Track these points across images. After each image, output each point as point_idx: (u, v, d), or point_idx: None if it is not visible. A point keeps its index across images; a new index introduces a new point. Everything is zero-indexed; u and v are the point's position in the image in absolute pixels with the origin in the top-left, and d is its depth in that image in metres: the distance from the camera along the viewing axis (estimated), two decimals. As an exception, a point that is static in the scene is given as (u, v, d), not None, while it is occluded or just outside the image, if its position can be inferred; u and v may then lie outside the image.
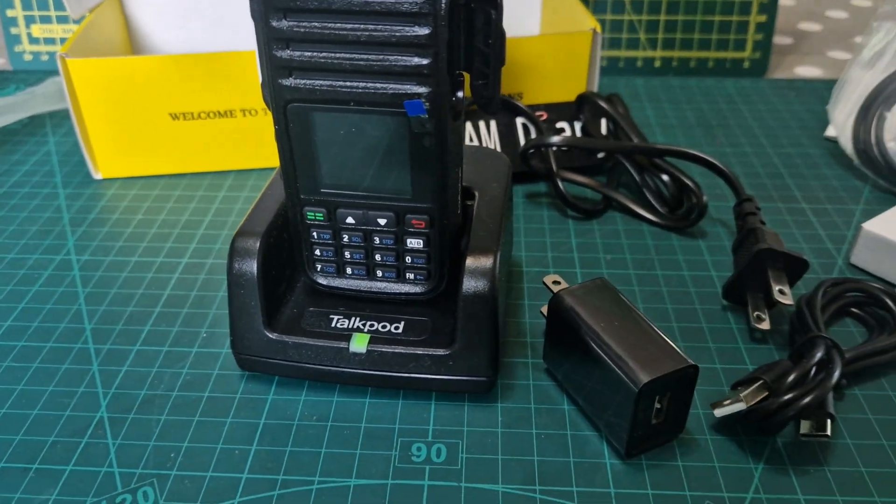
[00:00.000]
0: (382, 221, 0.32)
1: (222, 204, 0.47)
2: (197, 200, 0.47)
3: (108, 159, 0.48)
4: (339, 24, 0.27)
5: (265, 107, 0.47)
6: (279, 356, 0.33)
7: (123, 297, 0.39)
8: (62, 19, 0.62)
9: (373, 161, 0.30)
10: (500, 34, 0.28)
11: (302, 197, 0.32)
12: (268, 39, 0.28)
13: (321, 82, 0.28)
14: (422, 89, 0.28)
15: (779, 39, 0.68)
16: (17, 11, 0.61)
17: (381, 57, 0.28)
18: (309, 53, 0.28)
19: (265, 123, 0.48)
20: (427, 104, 0.28)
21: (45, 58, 0.63)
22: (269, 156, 0.49)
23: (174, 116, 0.47)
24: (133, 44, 0.56)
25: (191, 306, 0.39)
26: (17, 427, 0.32)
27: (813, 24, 0.72)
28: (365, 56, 0.28)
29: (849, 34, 0.70)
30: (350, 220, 0.32)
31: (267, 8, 0.27)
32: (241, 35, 0.57)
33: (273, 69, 0.28)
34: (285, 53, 0.28)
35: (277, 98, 0.29)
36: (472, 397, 0.34)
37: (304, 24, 0.27)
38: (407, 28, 0.27)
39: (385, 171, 0.31)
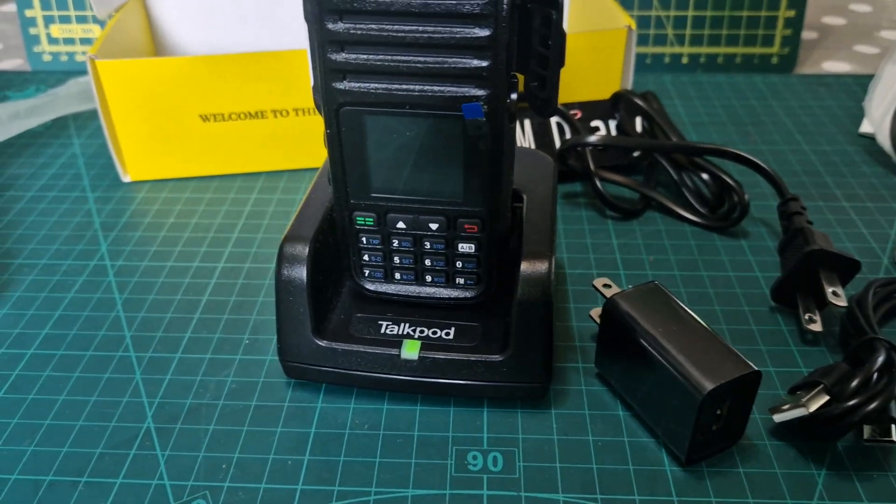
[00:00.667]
0: (434, 226, 0.31)
1: (255, 206, 0.46)
2: (229, 203, 0.46)
3: (137, 161, 0.47)
4: (396, 27, 0.27)
5: (296, 107, 0.47)
6: (329, 364, 0.33)
7: (161, 303, 0.39)
8: (81, 19, 0.61)
9: (425, 165, 0.30)
10: (561, 35, 0.27)
11: (352, 202, 0.31)
12: (322, 42, 0.27)
13: (376, 85, 0.28)
14: (480, 92, 0.27)
15: (804, 34, 0.68)
16: (35, 11, 0.61)
17: (439, 59, 0.27)
18: (365, 56, 0.27)
19: (296, 124, 0.47)
20: (485, 107, 0.27)
21: (64, 58, 0.62)
22: (300, 157, 0.49)
23: (204, 118, 0.46)
24: (157, 44, 0.55)
25: (231, 312, 0.38)
26: (63, 439, 0.32)
27: (837, 18, 0.72)
28: (422, 58, 0.27)
29: (874, 28, 0.70)
30: (400, 224, 0.31)
31: (322, 10, 0.27)
32: (264, 34, 0.56)
33: (327, 72, 0.28)
34: (340, 56, 0.27)
35: (330, 101, 0.28)
36: (525, 404, 0.33)
37: (360, 26, 0.27)
38: (467, 29, 0.26)
39: (437, 175, 0.30)
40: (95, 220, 0.45)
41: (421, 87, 0.28)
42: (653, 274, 0.40)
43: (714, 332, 0.31)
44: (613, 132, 0.48)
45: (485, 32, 0.26)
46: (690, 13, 0.59)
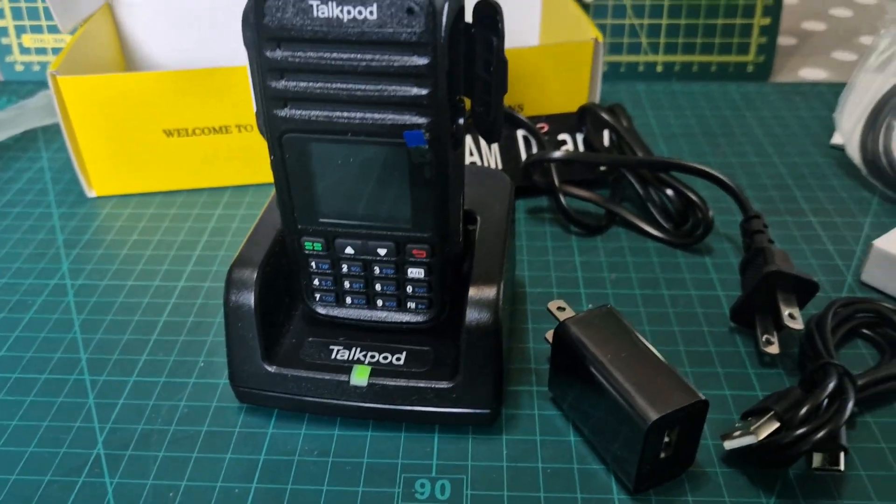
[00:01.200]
0: (382, 251, 0.31)
1: (218, 223, 0.46)
2: (193, 219, 0.46)
3: (101, 177, 0.47)
4: (335, 55, 0.26)
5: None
6: (279, 389, 0.33)
7: (119, 324, 0.39)
8: (53, 29, 0.61)
9: (371, 190, 0.29)
10: (502, 61, 0.27)
11: (299, 227, 0.31)
12: (262, 70, 0.27)
13: (317, 113, 0.27)
14: (421, 119, 0.27)
15: (783, 40, 0.67)
16: (7, 21, 0.60)
17: (378, 87, 0.27)
18: (304, 84, 0.27)
19: (260, 139, 0.46)
20: (427, 134, 0.27)
21: (36, 68, 0.62)
22: (265, 171, 0.48)
23: (168, 133, 0.46)
24: (125, 54, 0.55)
25: (188, 333, 0.38)
26: (12, 466, 0.32)
27: (817, 23, 0.71)
28: (362, 86, 0.27)
29: (854, 34, 0.69)
30: (349, 249, 0.31)
31: (261, 38, 0.26)
32: (234, 45, 0.55)
33: (268, 100, 0.28)
34: (280, 84, 0.27)
35: (273, 129, 0.28)
36: (476, 429, 0.33)
37: (299, 54, 0.26)
38: (405, 58, 0.26)
39: (384, 201, 0.30)
40: (59, 238, 0.45)
41: (362, 114, 0.27)
42: (613, 293, 0.40)
43: (664, 360, 0.30)
44: (580, 146, 0.48)
45: (423, 60, 0.26)
46: (664, 22, 0.58)
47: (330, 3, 0.25)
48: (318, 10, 0.25)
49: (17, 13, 0.60)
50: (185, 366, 0.36)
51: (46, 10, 0.60)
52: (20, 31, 0.61)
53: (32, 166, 0.52)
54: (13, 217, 0.47)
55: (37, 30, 0.61)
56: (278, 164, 0.29)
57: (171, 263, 0.43)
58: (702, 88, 0.59)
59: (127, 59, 0.55)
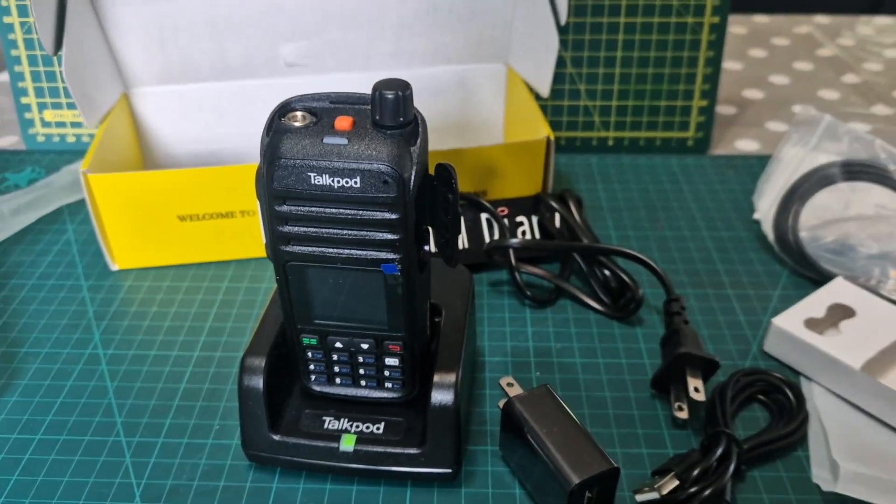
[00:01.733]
0: (365, 346, 0.39)
1: (226, 295, 0.53)
2: (204, 291, 0.54)
3: (123, 253, 0.55)
4: (328, 209, 0.34)
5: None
6: (282, 453, 0.41)
7: (146, 391, 0.46)
8: (72, 105, 0.68)
9: (356, 301, 0.37)
10: (457, 214, 0.35)
11: (298, 326, 0.39)
12: (271, 217, 0.35)
13: (314, 249, 0.35)
14: (394, 256, 0.35)
15: (723, 109, 0.76)
16: (30, 99, 0.68)
17: (361, 232, 0.35)
18: (304, 229, 0.35)
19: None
20: (399, 266, 0.35)
21: (56, 139, 0.69)
22: (264, 248, 0.56)
23: (182, 218, 0.54)
24: (141, 141, 0.63)
25: (204, 399, 0.46)
26: (67, 517, 0.39)
27: (756, 91, 0.80)
28: (349, 231, 0.35)
29: (788, 102, 0.77)
30: (338, 344, 0.39)
31: (270, 196, 0.34)
32: (239, 126, 0.63)
33: (275, 238, 0.35)
34: (286, 228, 0.35)
35: (278, 258, 0.36)
36: (441, 484, 0.41)
37: (300, 208, 0.34)
38: (382, 213, 0.34)
39: (366, 309, 0.38)
40: (89, 310, 0.52)
41: (349, 251, 0.35)
42: (558, 361, 0.48)
43: (587, 433, 0.39)
44: (535, 226, 0.56)
45: (395, 216, 0.34)
46: (614, 103, 0.66)
47: (324, 175, 0.33)
48: (314, 179, 0.33)
49: (39, 91, 0.67)
50: (203, 428, 0.44)
51: (67, 89, 0.67)
52: (42, 107, 0.68)
53: (60, 238, 0.59)
54: (48, 289, 0.54)
55: (57, 106, 0.68)
56: (282, 283, 0.37)
57: (186, 334, 0.50)
58: (647, 161, 0.67)
59: (142, 142, 0.63)
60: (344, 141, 0.33)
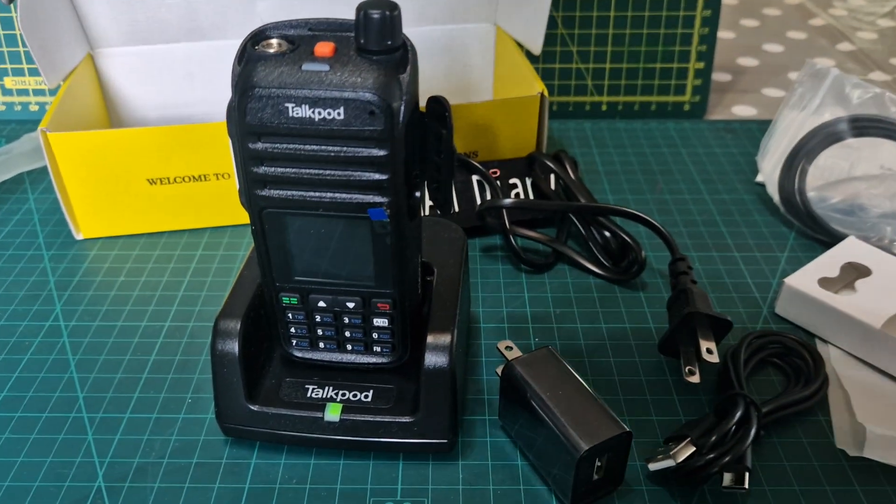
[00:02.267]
0: (351, 305, 0.35)
1: (199, 263, 0.50)
2: (175, 260, 0.50)
3: (88, 221, 0.51)
4: (307, 146, 0.31)
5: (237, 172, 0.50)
6: (261, 426, 0.37)
7: (112, 363, 0.43)
8: (34, 72, 0.64)
9: (340, 254, 0.34)
10: (451, 151, 0.32)
11: (277, 284, 0.35)
12: (244, 157, 0.31)
13: (293, 193, 0.32)
14: (382, 199, 0.32)
15: (718, 76, 0.73)
16: (-11, 64, 0.63)
17: (345, 173, 0.31)
18: (281, 169, 0.31)
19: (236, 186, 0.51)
20: (387, 210, 0.32)
21: (18, 108, 0.65)
22: (242, 214, 0.52)
23: (151, 181, 0.50)
24: (108, 103, 0.59)
25: (175, 371, 0.42)
26: (20, 500, 0.35)
27: (750, 59, 0.77)
28: (331, 172, 0.31)
29: (784, 69, 0.75)
30: (321, 303, 0.36)
31: (242, 132, 0.31)
32: (210, 88, 0.60)
33: (249, 182, 0.32)
34: (260, 169, 0.31)
35: (253, 205, 0.33)
36: (436, 456, 0.37)
37: (276, 146, 0.31)
38: (368, 150, 0.30)
39: (351, 263, 0.34)
40: (50, 280, 0.48)
41: (331, 194, 0.32)
42: (558, 327, 0.45)
43: (594, 396, 0.35)
44: (529, 188, 0.52)
45: (382, 152, 0.30)
46: (608, 66, 0.63)
47: (303, 106, 0.30)
48: (292, 111, 0.30)
49: (-1, 57, 0.63)
50: (174, 402, 0.40)
51: (28, 54, 0.63)
52: (2, 73, 0.64)
53: (20, 207, 0.55)
54: (6, 259, 0.50)
55: (18, 73, 0.64)
56: (258, 234, 0.34)
57: (157, 304, 0.47)
58: (643, 126, 0.64)
59: (109, 105, 0.59)
60: (325, 67, 0.30)
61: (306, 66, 0.30)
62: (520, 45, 0.58)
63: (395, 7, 0.30)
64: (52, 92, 0.65)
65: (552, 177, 0.52)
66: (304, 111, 0.30)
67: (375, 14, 0.29)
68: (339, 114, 0.30)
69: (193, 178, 0.50)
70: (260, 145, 0.31)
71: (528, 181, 0.52)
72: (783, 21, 0.86)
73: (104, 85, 0.58)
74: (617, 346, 0.44)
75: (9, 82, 0.64)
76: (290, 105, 0.30)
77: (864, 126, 0.51)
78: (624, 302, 0.47)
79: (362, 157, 0.30)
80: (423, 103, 0.32)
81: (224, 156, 0.50)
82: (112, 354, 0.43)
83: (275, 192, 0.32)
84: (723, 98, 0.69)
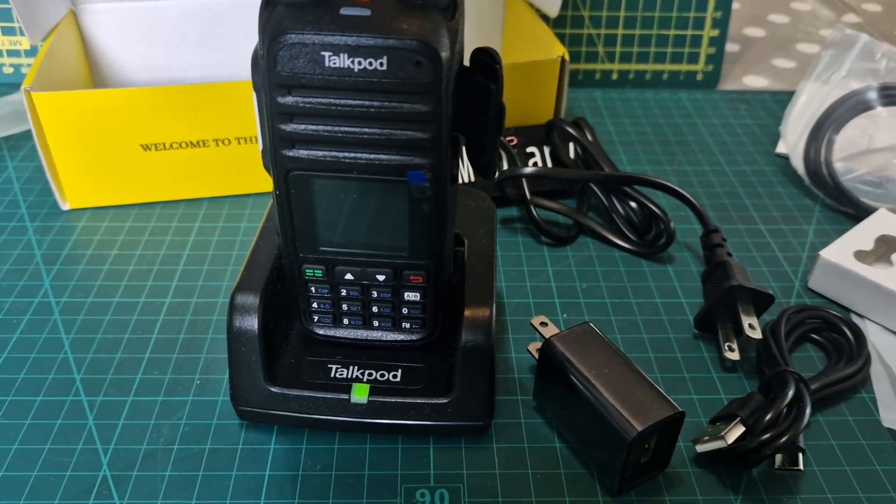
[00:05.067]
0: (381, 277, 0.33)
1: (199, 235, 0.46)
2: (172, 232, 0.47)
3: (76, 190, 0.47)
4: (343, 101, 0.28)
5: (238, 136, 0.47)
6: (281, 408, 0.34)
7: (110, 342, 0.39)
8: (8, 31, 0.59)
9: (372, 222, 0.31)
10: (500, 107, 0.29)
11: (300, 255, 0.32)
12: (271, 112, 0.28)
13: (325, 153, 0.29)
14: (424, 160, 0.29)
15: (727, 46, 0.71)
16: (-41, 23, 0.59)
17: (385, 130, 0.28)
18: (314, 127, 0.28)
19: (238, 152, 0.47)
20: (429, 174, 0.29)
21: (9, 70, 0.60)
22: (242, 183, 0.49)
23: (145, 147, 0.46)
24: (93, 65, 0.54)
25: (180, 351, 0.39)
26: (19, 492, 0.32)
27: (757, 29, 0.75)
28: (369, 129, 0.28)
29: (790, 41, 0.73)
30: (349, 276, 0.33)
31: (271, 83, 0.27)
32: (204, 52, 0.56)
33: (276, 140, 0.29)
34: (289, 127, 0.28)
35: (279, 167, 0.29)
36: (469, 440, 0.35)
37: (309, 100, 0.28)
38: (412, 104, 0.27)
39: (383, 232, 0.31)
40: (36, 253, 0.45)
41: (367, 155, 0.29)
42: (586, 302, 0.43)
43: (642, 373, 0.33)
44: (548, 157, 0.50)
45: (428, 107, 0.28)
46: (620, 32, 0.61)
47: (342, 55, 0.27)
48: (329, 61, 0.27)
49: (-29, 14, 0.59)
50: (181, 383, 0.37)
51: (2, 11, 0.59)
52: (-24, 32, 0.59)
53: (-1, 176, 0.51)
54: (-14, 231, 0.46)
55: (9, 32, 0.59)
56: (283, 199, 0.30)
57: (155, 279, 0.43)
58: (655, 96, 0.62)
59: (93, 67, 0.55)
60: (367, 12, 0.27)
61: (345, 11, 0.27)
62: (533, 7, 0.55)
63: (445, -51, 0.27)
64: (29, 53, 0.60)
65: (571, 145, 0.50)
66: (342, 61, 0.27)
67: (423, -46, 0.26)
68: (381, 63, 0.27)
69: (191, 143, 0.47)
70: (290, 99, 0.28)
71: (547, 150, 0.50)
72: (786, -9, 0.84)
73: (88, 45, 0.54)
74: (649, 322, 0.41)
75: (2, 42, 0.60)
76: (326, 53, 0.27)
77: (894, 95, 0.49)
78: (652, 276, 0.44)
79: (405, 112, 0.28)
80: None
81: (224, 120, 0.46)
82: (109, 333, 0.40)
83: (304, 153, 0.29)
84: (733, 68, 0.67)
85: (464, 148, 0.31)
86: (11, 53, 0.60)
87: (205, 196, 0.49)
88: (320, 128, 0.28)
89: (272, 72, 0.27)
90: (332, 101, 0.28)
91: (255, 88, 0.29)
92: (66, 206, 0.48)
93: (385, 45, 0.26)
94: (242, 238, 0.46)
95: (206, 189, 0.49)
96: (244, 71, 0.56)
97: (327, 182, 0.30)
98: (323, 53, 0.27)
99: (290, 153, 0.29)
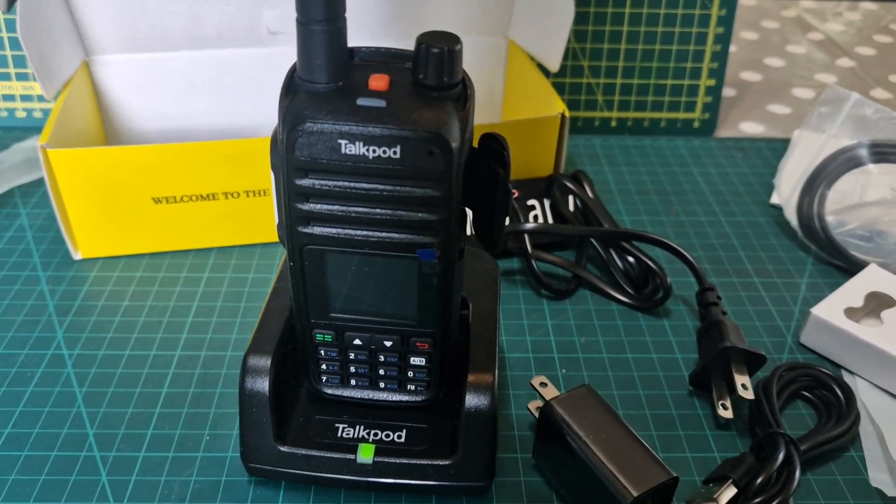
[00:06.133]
0: (388, 343, 0.34)
1: (207, 286, 0.48)
2: (182, 283, 0.48)
3: (88, 240, 0.48)
4: (359, 184, 0.29)
5: (247, 189, 0.48)
6: (290, 467, 0.35)
7: (122, 396, 0.40)
8: (21, 77, 0.61)
9: (381, 292, 0.32)
10: (507, 191, 0.30)
11: (312, 320, 0.34)
12: (289, 192, 0.30)
13: (338, 230, 0.30)
14: (433, 240, 0.30)
15: (723, 91, 0.72)
16: (-27, 68, 0.60)
17: (397, 212, 0.29)
18: (328, 207, 0.30)
19: (247, 204, 0.49)
20: (438, 252, 0.30)
21: (3, 114, 0.62)
22: (250, 234, 0.50)
23: (157, 200, 0.47)
24: (104, 115, 0.56)
25: (190, 405, 0.40)
26: (36, 549, 0.33)
27: (753, 73, 0.77)
28: (381, 210, 0.30)
29: (786, 85, 0.75)
30: (357, 341, 0.34)
31: (289, 167, 0.29)
32: (212, 101, 0.57)
33: (293, 218, 0.30)
34: (306, 206, 0.30)
35: (295, 241, 0.31)
36: (470, 498, 0.36)
37: (325, 182, 0.29)
38: (423, 189, 0.29)
39: (392, 302, 0.33)
40: (49, 304, 0.46)
41: (379, 233, 0.30)
42: (584, 357, 0.44)
43: (638, 437, 0.34)
44: (548, 210, 0.51)
45: (439, 192, 0.29)
46: (618, 81, 0.62)
47: (357, 143, 0.28)
48: (346, 148, 0.28)
49: (-17, 60, 0.60)
50: (191, 439, 0.38)
51: (16, 58, 0.60)
52: (-13, 77, 0.61)
53: (12, 224, 0.52)
54: (0, 281, 0.47)
55: (4, 77, 0.61)
56: (297, 269, 0.32)
57: (165, 331, 0.44)
58: (652, 143, 0.64)
59: (104, 116, 0.56)
60: (382, 103, 0.28)
61: (361, 101, 0.28)
62: (534, 62, 0.57)
63: (458, 41, 0.28)
64: (41, 98, 0.62)
65: (570, 198, 0.51)
66: (357, 148, 0.28)
67: (436, 49, 0.28)
68: (395, 152, 0.28)
69: (201, 196, 0.48)
70: (307, 181, 0.29)
71: (547, 202, 0.51)
72: (782, 34, 0.86)
73: (99, 95, 0.56)
74: (645, 378, 0.43)
75: (-6, 87, 0.61)
76: (343, 141, 0.28)
77: (884, 152, 0.51)
78: (649, 331, 0.46)
79: (416, 196, 0.29)
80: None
81: (233, 174, 0.47)
82: (121, 387, 0.41)
83: (319, 230, 0.30)
84: (729, 114, 0.69)
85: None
86: (24, 98, 0.61)
87: (214, 246, 0.50)
88: (335, 207, 0.30)
89: (290, 156, 0.28)
90: (346, 184, 0.29)
91: (274, 168, 0.30)
92: (77, 256, 0.49)
93: (399, 136, 0.28)
94: (250, 289, 0.47)
95: (214, 239, 0.50)
96: (250, 120, 0.58)
97: (340, 256, 0.31)
98: (339, 141, 0.28)
99: (306, 230, 0.30)
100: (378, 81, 0.28)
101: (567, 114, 0.50)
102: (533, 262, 0.47)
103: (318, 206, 0.29)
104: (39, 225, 0.52)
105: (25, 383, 0.41)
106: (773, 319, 0.47)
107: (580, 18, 0.60)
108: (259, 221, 0.50)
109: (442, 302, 0.32)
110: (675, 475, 0.33)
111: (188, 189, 0.47)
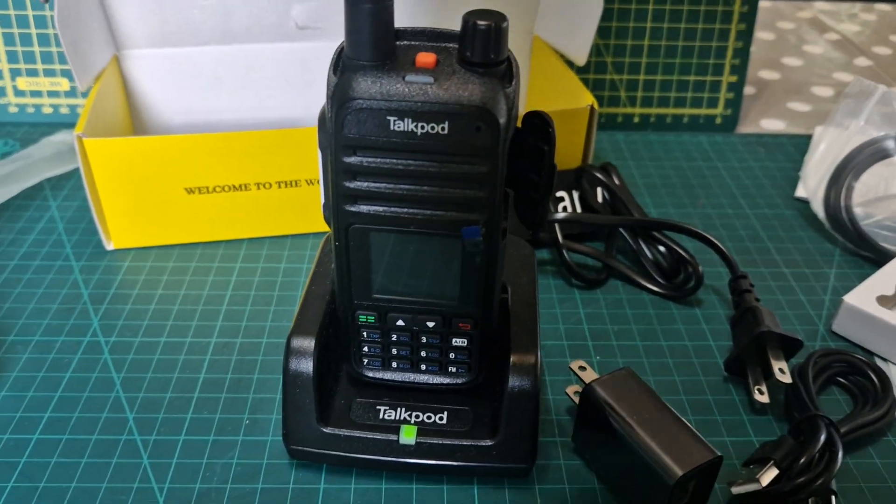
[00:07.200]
0: (430, 324, 0.34)
1: (240, 276, 0.48)
2: (214, 272, 0.48)
3: (121, 231, 0.49)
4: (407, 161, 0.29)
5: (279, 180, 0.49)
6: (332, 448, 0.35)
7: (160, 382, 0.41)
8: (49, 73, 0.61)
9: (424, 272, 0.33)
10: (552, 167, 0.31)
11: (355, 302, 0.34)
12: (336, 170, 0.30)
13: (384, 209, 0.30)
14: (478, 217, 0.30)
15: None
16: (2, 64, 0.61)
17: (443, 189, 0.30)
18: (375, 185, 0.30)
19: (279, 195, 0.49)
20: (483, 229, 0.31)
21: (30, 110, 0.62)
22: (282, 224, 0.51)
23: (189, 191, 0.48)
24: (132, 108, 0.56)
25: (228, 391, 0.40)
26: (80, 529, 0.34)
27: (772, 72, 0.77)
28: (428, 188, 0.30)
29: (804, 84, 0.75)
30: (400, 322, 0.34)
31: (338, 145, 0.29)
32: (239, 94, 0.58)
33: (339, 196, 0.30)
34: (353, 184, 0.30)
35: (340, 220, 0.31)
36: (512, 480, 0.36)
37: (374, 160, 0.29)
38: (470, 165, 0.29)
39: (435, 282, 0.33)
40: (84, 292, 0.46)
41: (425, 211, 0.30)
42: (618, 345, 0.44)
43: (680, 418, 0.35)
44: (577, 201, 0.52)
45: (485, 168, 0.29)
46: (642, 77, 0.63)
47: (406, 119, 0.28)
48: (394, 125, 0.28)
49: (12, 57, 0.60)
50: (231, 423, 0.39)
51: (43, 54, 0.61)
52: (15, 73, 0.61)
53: (43, 215, 0.53)
54: (33, 270, 0.48)
55: (32, 73, 0.61)
56: (342, 249, 0.32)
57: (200, 319, 0.45)
58: (675, 139, 0.64)
59: (132, 110, 0.57)
60: (430, 79, 0.28)
61: (410, 78, 0.28)
62: (560, 56, 0.57)
63: (504, 18, 0.28)
64: (68, 93, 0.62)
65: (599, 190, 0.51)
66: (406, 125, 0.28)
67: (483, 25, 0.28)
68: (443, 128, 0.28)
69: (234, 187, 0.48)
70: (355, 159, 0.29)
71: (576, 194, 0.52)
72: (798, 34, 0.86)
73: (129, 88, 0.56)
74: (680, 365, 0.43)
75: (22, 83, 0.61)
76: (392, 118, 0.28)
77: (911, 143, 0.51)
78: (681, 319, 0.46)
79: (463, 172, 0.29)
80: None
81: (265, 165, 0.48)
82: (159, 372, 0.41)
83: (365, 208, 0.30)
84: (749, 111, 0.69)
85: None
86: (51, 94, 0.62)
87: (245, 237, 0.51)
88: (382, 185, 0.30)
89: (339, 134, 0.29)
90: (394, 161, 0.29)
91: (321, 147, 0.30)
92: (110, 246, 0.49)
93: (447, 111, 0.28)
94: (283, 279, 0.48)
95: (246, 230, 0.50)
96: (277, 115, 0.58)
97: (384, 235, 0.31)
98: (388, 118, 0.28)
99: (352, 208, 0.30)
100: (425, 58, 0.29)
101: (596, 106, 0.50)
102: (564, 251, 0.48)
103: (366, 184, 0.30)
104: (70, 216, 0.52)
105: (63, 369, 0.41)
106: (804, 308, 0.47)
107: (605, 15, 0.60)
108: (291, 212, 0.50)
109: (484, 281, 0.32)
110: (719, 454, 0.33)
111: (221, 179, 0.48)
